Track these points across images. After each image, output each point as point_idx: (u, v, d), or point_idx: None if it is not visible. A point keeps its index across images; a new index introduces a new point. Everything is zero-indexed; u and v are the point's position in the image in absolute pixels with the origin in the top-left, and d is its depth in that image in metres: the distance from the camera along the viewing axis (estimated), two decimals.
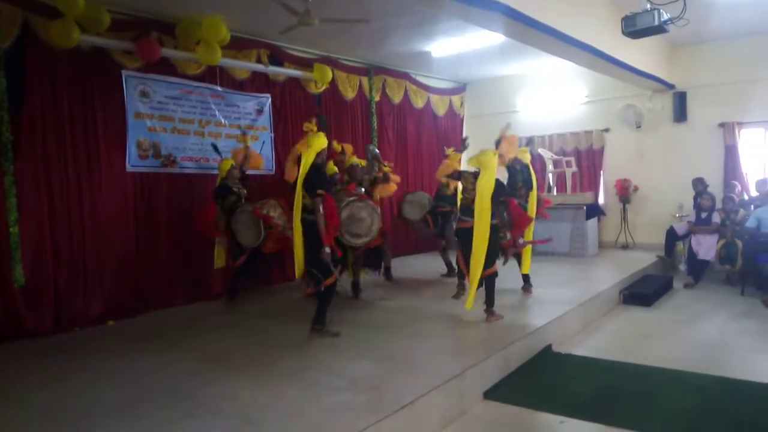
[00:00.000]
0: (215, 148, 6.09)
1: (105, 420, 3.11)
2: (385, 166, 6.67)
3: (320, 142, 4.60)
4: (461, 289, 5.44)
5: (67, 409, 3.30)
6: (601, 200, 9.64)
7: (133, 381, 3.75)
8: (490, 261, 4.93)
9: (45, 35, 5.01)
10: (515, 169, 5.94)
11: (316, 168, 4.54)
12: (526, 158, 6.14)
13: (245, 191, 6.12)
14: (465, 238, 5.03)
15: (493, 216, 4.87)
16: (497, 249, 5.21)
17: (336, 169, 6.17)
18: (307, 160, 4.52)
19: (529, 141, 8.13)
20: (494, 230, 4.94)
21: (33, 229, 5.06)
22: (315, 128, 4.86)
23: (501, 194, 5.03)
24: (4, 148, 4.87)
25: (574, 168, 9.45)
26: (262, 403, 3.27)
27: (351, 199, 5.24)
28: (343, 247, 5.20)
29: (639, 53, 7.12)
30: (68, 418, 3.17)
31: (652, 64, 7.84)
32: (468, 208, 5.08)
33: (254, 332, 4.94)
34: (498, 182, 4.93)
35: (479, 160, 5.00)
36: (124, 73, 5.70)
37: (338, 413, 3.08)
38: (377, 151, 6.88)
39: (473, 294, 4.85)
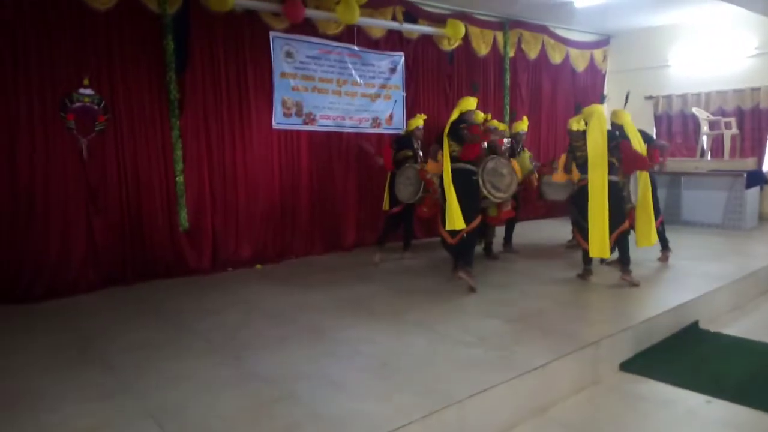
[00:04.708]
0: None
1: (259, 351, 3.47)
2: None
3: (467, 103, 4.96)
4: (588, 273, 5.07)
5: (226, 338, 3.73)
6: (765, 167, 8.53)
7: (280, 319, 4.12)
8: (617, 219, 4.77)
9: (205, 1, 5.45)
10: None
11: (460, 119, 4.89)
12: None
13: (420, 153, 6.24)
14: (583, 197, 4.84)
15: (612, 171, 4.75)
16: (623, 207, 4.96)
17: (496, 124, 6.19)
18: (453, 117, 4.88)
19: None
20: (614, 186, 4.77)
21: (194, 178, 5.65)
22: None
23: (613, 139, 4.82)
24: (172, 105, 5.44)
25: (735, 130, 8.41)
26: (396, 349, 3.44)
27: (495, 155, 5.31)
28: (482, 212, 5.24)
29: None
30: (227, 346, 3.59)
31: None
32: (585, 166, 4.86)
33: (387, 283, 5.16)
34: (609, 130, 4.85)
35: (584, 112, 4.92)
36: (271, 34, 6.04)
37: (470, 367, 3.15)
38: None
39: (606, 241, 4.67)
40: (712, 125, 8.57)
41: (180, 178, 5.53)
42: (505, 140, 6.11)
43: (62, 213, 4.93)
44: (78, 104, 4.93)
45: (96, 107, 5.02)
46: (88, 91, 4.97)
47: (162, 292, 5.03)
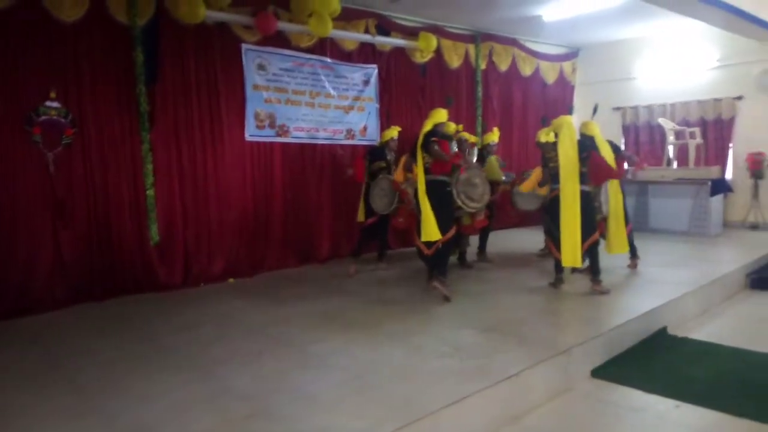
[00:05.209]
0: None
1: (233, 366, 3.43)
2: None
3: (439, 115, 5.02)
4: (559, 282, 5.16)
5: (198, 355, 3.67)
6: (728, 175, 8.81)
7: (254, 334, 4.07)
8: (589, 229, 4.86)
9: (175, 12, 5.39)
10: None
11: (432, 131, 4.94)
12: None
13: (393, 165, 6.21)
14: (556, 207, 4.93)
15: (584, 181, 4.85)
16: (594, 216, 5.09)
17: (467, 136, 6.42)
18: (426, 128, 4.91)
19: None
20: (586, 196, 4.88)
21: (165, 192, 5.56)
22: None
23: (584, 150, 4.90)
24: (142, 118, 5.36)
25: (699, 140, 8.67)
26: (371, 361, 3.43)
27: (469, 165, 5.38)
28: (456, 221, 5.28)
29: None
30: (200, 362, 3.53)
31: None
32: (557, 177, 4.95)
33: (362, 294, 5.15)
34: (579, 140, 4.95)
35: (554, 123, 5.04)
36: (243, 46, 6.02)
37: (445, 377, 3.16)
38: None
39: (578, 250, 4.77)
40: (678, 135, 8.82)
41: (150, 192, 5.44)
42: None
43: (28, 228, 4.80)
44: (44, 117, 4.82)
45: (63, 120, 4.92)
46: (55, 104, 4.87)
47: (132, 308, 4.93)
